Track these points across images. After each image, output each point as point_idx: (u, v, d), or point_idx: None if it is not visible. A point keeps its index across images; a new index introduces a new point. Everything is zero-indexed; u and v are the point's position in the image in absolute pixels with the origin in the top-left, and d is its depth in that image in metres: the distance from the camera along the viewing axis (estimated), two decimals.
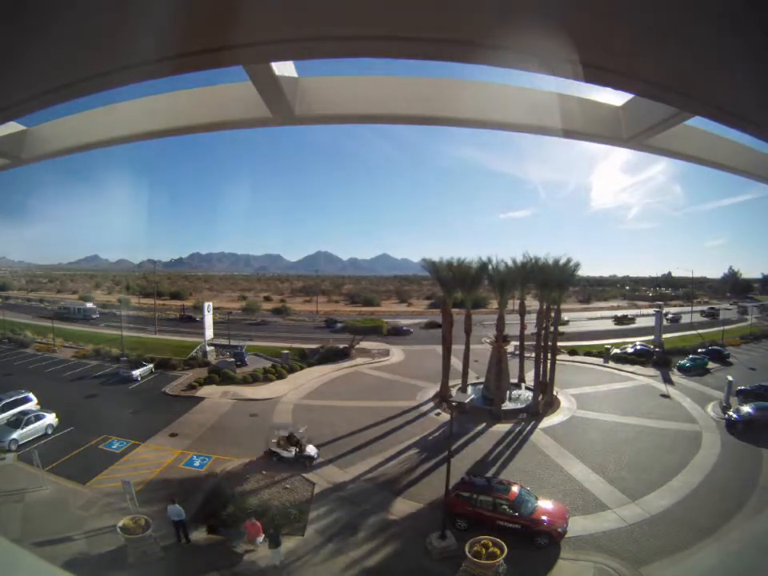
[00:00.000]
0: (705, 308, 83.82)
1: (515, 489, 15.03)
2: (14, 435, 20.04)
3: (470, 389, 27.97)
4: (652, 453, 20.20)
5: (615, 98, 6.06)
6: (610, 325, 64.90)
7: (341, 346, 41.15)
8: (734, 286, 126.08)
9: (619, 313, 74.31)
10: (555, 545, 13.50)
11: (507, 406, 26.31)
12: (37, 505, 15.09)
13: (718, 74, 3.10)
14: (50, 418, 21.92)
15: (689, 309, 74.42)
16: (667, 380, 32.75)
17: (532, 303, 37.90)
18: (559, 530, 13.70)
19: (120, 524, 13.11)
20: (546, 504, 14.81)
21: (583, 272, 33.36)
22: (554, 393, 27.40)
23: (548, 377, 27.20)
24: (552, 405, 26.40)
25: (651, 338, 44.38)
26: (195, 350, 38.81)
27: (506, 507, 14.33)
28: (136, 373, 31.92)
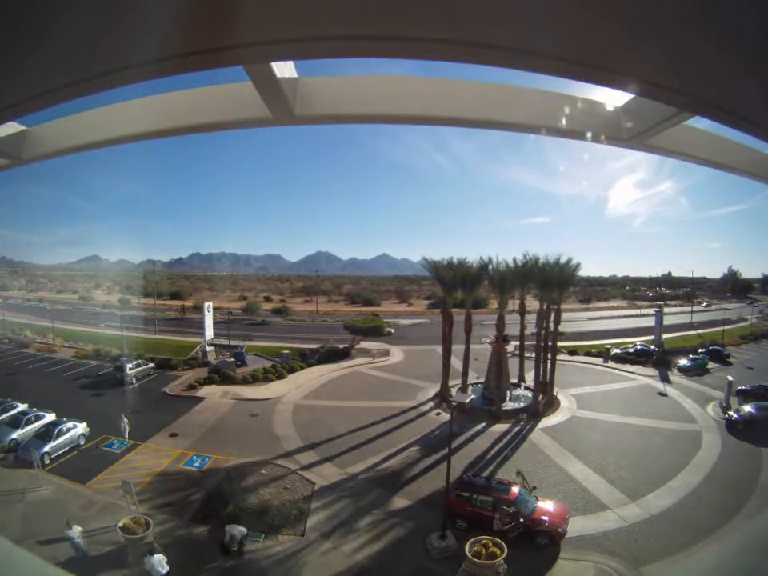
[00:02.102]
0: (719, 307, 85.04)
1: (515, 489, 15.04)
2: (14, 435, 20.04)
3: (470, 389, 27.99)
4: (652, 453, 20.21)
5: (615, 97, 6.06)
6: (607, 325, 64.77)
7: (341, 346, 41.22)
8: (734, 286, 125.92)
9: (621, 313, 74.08)
10: (555, 545, 13.52)
11: (507, 405, 26.34)
12: (37, 505, 15.10)
13: (718, 74, 3.10)
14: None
15: (689, 309, 74.40)
16: (667, 380, 32.77)
17: (532, 303, 37.88)
18: (559, 530, 13.70)
19: (120, 524, 13.14)
20: (546, 504, 14.82)
21: (583, 272, 33.31)
22: (554, 393, 27.41)
23: (548, 377, 27.22)
24: (552, 405, 26.41)
25: (651, 337, 44.39)
26: (195, 350, 38.82)
27: (506, 507, 14.34)
28: (130, 374, 30.65)
